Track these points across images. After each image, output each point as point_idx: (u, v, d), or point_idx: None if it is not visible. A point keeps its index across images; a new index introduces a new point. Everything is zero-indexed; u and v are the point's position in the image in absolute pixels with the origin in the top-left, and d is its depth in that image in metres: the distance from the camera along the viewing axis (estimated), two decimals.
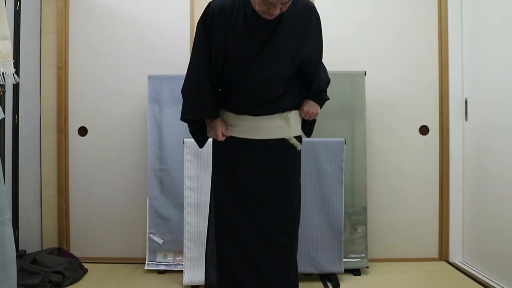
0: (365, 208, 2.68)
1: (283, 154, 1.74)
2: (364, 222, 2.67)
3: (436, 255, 2.88)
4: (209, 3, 1.66)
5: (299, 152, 1.80)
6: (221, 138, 1.70)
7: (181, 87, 1.74)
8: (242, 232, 1.68)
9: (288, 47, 1.64)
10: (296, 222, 1.79)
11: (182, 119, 1.77)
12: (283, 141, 1.74)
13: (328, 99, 1.89)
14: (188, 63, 1.73)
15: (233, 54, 1.63)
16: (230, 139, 1.72)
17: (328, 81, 1.85)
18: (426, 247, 2.88)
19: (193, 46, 1.72)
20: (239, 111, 1.71)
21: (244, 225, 1.68)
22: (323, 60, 1.82)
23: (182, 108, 1.75)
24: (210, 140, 1.83)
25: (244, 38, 1.62)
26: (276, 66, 1.65)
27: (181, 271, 2.51)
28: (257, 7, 1.56)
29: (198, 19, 1.70)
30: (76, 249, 2.88)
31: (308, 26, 1.68)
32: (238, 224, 1.69)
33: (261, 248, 1.69)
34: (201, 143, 1.84)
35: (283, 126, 1.72)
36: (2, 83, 1.78)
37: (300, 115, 1.78)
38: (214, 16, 1.62)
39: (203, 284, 2.35)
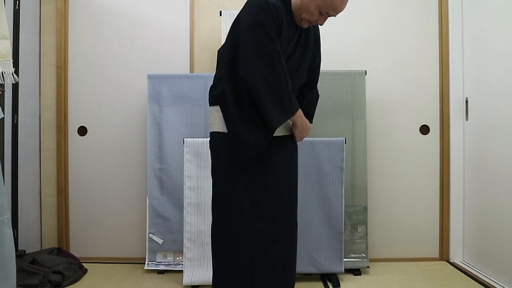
0: (365, 208, 2.68)
1: (292, 150, 1.76)
2: (364, 222, 2.67)
3: (436, 255, 2.88)
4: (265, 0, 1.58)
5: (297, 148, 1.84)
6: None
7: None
8: (257, 232, 1.64)
9: (307, 56, 1.71)
10: (296, 218, 1.78)
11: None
12: (290, 138, 1.75)
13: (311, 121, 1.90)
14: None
15: None
16: None
17: (318, 96, 1.90)
18: (427, 247, 2.88)
19: (261, 39, 1.54)
20: None
21: (257, 221, 1.64)
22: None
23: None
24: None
25: (285, 43, 1.63)
26: (299, 74, 1.71)
27: (181, 271, 2.50)
28: (305, 15, 1.59)
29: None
30: (76, 249, 2.88)
31: (317, 36, 1.79)
32: (251, 220, 1.63)
33: (278, 247, 1.66)
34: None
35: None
36: (1, 82, 1.77)
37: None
38: (273, 13, 1.56)
39: (203, 284, 2.36)
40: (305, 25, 1.65)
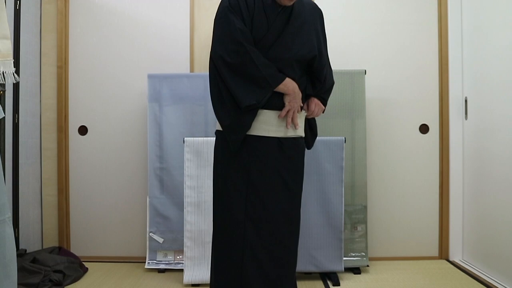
0: (365, 207, 2.68)
1: (295, 155, 1.68)
2: (364, 221, 2.68)
3: (436, 254, 2.89)
4: None
5: (304, 154, 1.77)
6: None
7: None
8: (249, 234, 1.61)
9: (299, 40, 1.65)
10: (299, 225, 1.75)
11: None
12: (295, 141, 1.69)
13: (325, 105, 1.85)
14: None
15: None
16: (245, 137, 1.62)
17: (332, 83, 1.82)
18: (426, 246, 2.89)
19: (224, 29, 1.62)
20: None
21: (252, 227, 1.61)
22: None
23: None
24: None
25: (264, 27, 1.62)
26: (288, 57, 1.63)
27: (181, 270, 2.51)
28: None
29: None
30: (77, 248, 2.88)
31: (317, 25, 1.75)
32: (246, 226, 1.61)
33: (270, 251, 1.62)
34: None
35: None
36: (2, 82, 1.77)
37: (305, 112, 1.75)
38: (240, 3, 1.61)
39: (203, 283, 2.37)
40: (286, 3, 1.61)
